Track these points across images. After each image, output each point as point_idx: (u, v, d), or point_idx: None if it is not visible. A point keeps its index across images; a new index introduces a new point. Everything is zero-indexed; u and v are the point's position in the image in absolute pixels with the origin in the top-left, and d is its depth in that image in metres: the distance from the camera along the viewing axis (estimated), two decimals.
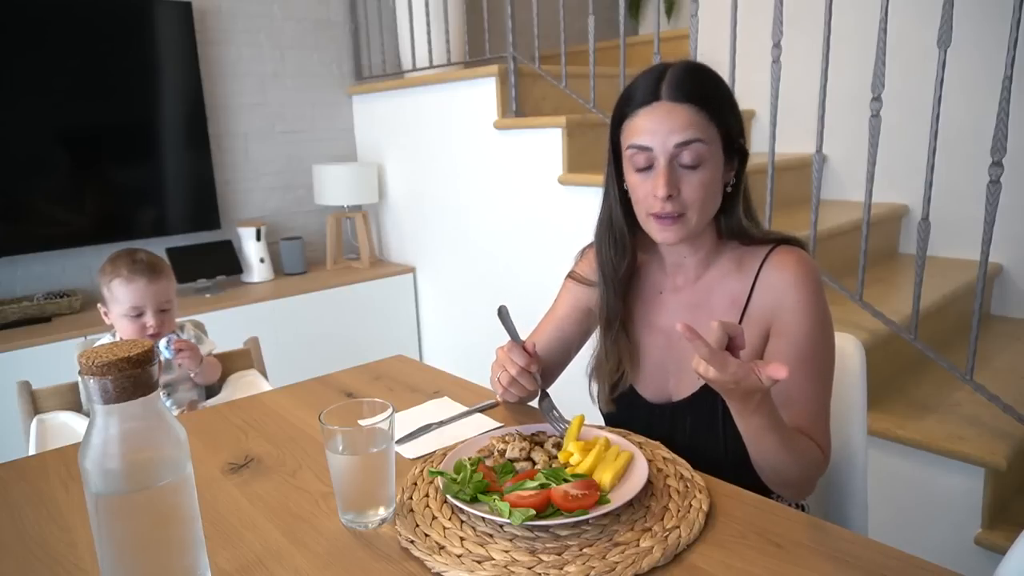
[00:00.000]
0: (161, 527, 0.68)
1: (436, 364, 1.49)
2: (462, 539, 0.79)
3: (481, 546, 0.78)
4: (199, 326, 1.70)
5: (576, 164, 2.35)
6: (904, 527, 1.76)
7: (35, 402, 1.47)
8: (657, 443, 1.00)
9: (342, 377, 1.38)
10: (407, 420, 1.14)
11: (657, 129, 0.97)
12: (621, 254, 1.10)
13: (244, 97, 2.98)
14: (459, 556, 0.76)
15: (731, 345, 0.82)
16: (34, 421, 1.43)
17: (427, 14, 2.85)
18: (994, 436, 1.68)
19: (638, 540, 0.77)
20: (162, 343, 1.50)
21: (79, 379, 1.48)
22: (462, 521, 0.83)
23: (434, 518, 0.84)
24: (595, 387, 1.17)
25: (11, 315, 2.38)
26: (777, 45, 1.82)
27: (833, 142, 2.61)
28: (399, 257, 3.25)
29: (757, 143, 3.14)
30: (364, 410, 0.87)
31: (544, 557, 0.75)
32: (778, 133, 1.90)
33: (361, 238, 3.11)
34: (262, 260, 2.92)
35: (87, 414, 1.47)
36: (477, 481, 0.84)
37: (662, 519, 0.81)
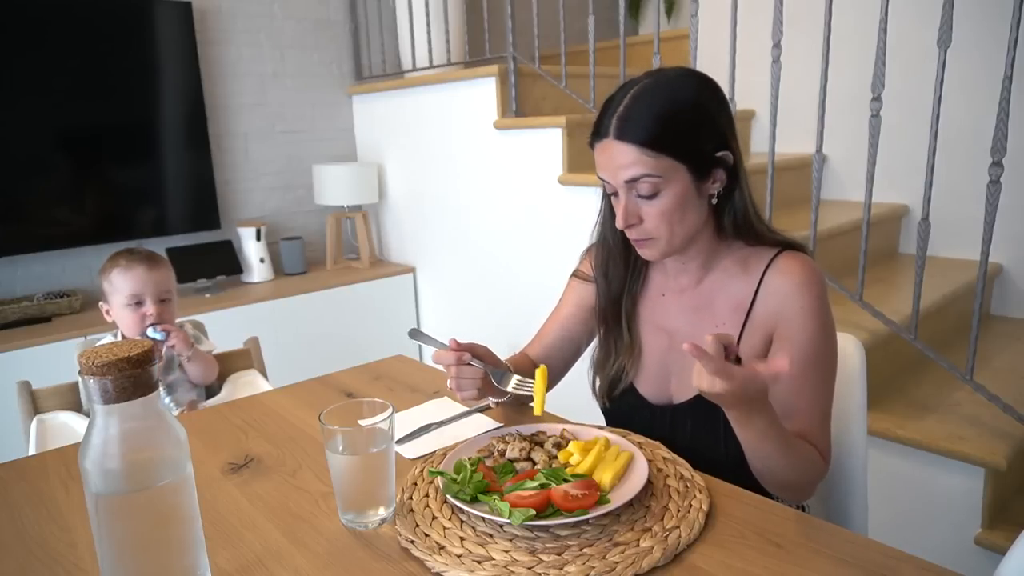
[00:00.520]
0: (161, 527, 0.68)
1: (436, 364, 1.48)
2: (462, 539, 0.79)
3: (481, 546, 0.78)
4: (199, 326, 1.70)
5: (576, 164, 2.35)
6: (904, 527, 1.76)
7: (35, 402, 1.47)
8: (657, 443, 1.00)
9: (342, 377, 1.38)
10: (407, 420, 1.14)
11: (607, 165, 0.99)
12: (615, 260, 1.12)
13: (244, 97, 2.98)
14: (459, 556, 0.76)
15: (725, 353, 0.82)
16: (34, 421, 1.43)
17: (427, 14, 2.85)
18: (994, 436, 1.68)
19: (638, 540, 0.77)
20: (150, 330, 1.50)
21: (79, 379, 1.48)
22: (462, 521, 0.83)
23: (434, 518, 0.84)
24: (597, 382, 1.17)
25: (11, 315, 2.38)
26: (777, 45, 1.82)
27: (833, 142, 2.61)
28: (399, 257, 3.25)
29: (757, 143, 3.14)
30: (364, 410, 0.87)
31: (544, 557, 0.75)
32: (778, 133, 1.90)
33: (361, 238, 3.11)
34: (262, 260, 2.92)
35: (87, 414, 1.47)
36: (477, 481, 0.84)
37: (662, 519, 0.81)
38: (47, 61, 2.44)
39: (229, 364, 1.67)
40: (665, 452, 0.97)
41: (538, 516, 0.78)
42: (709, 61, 2.30)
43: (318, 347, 2.78)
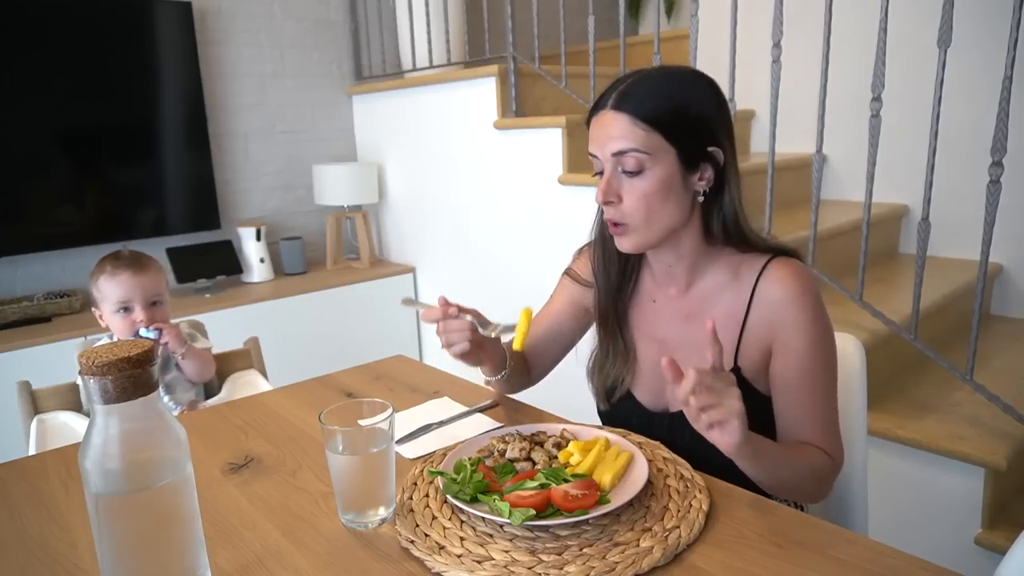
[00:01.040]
0: (161, 527, 0.68)
1: (436, 364, 1.49)
2: (462, 539, 0.79)
3: (481, 546, 0.78)
4: (197, 326, 1.70)
5: (576, 164, 2.35)
6: (904, 527, 1.76)
7: (35, 402, 1.47)
8: (657, 443, 1.00)
9: (342, 377, 1.38)
10: (407, 420, 1.14)
11: (598, 136, 0.99)
12: (611, 260, 1.11)
13: (244, 97, 2.98)
14: (459, 556, 0.76)
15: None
16: (34, 421, 1.43)
17: (427, 14, 2.85)
18: (994, 436, 1.68)
19: (638, 540, 0.77)
20: (142, 330, 1.49)
21: (79, 379, 1.48)
22: (462, 521, 0.83)
23: (434, 518, 0.84)
24: (594, 383, 1.17)
25: (11, 315, 2.38)
26: (777, 45, 1.82)
27: (833, 142, 2.61)
28: (399, 257, 3.25)
29: (757, 143, 3.14)
30: (364, 410, 0.87)
31: (544, 557, 0.75)
32: (778, 133, 1.90)
33: (361, 238, 3.11)
34: (262, 260, 2.92)
35: (87, 414, 1.47)
36: (477, 481, 0.84)
37: (662, 519, 0.81)
38: (47, 61, 2.44)
39: (229, 364, 1.67)
40: (665, 452, 0.97)
41: (538, 516, 0.78)
42: (709, 61, 2.30)
43: (318, 347, 2.78)
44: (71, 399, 1.50)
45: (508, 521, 0.78)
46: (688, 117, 0.97)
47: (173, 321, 1.57)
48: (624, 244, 1.02)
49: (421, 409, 1.20)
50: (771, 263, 1.01)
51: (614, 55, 2.51)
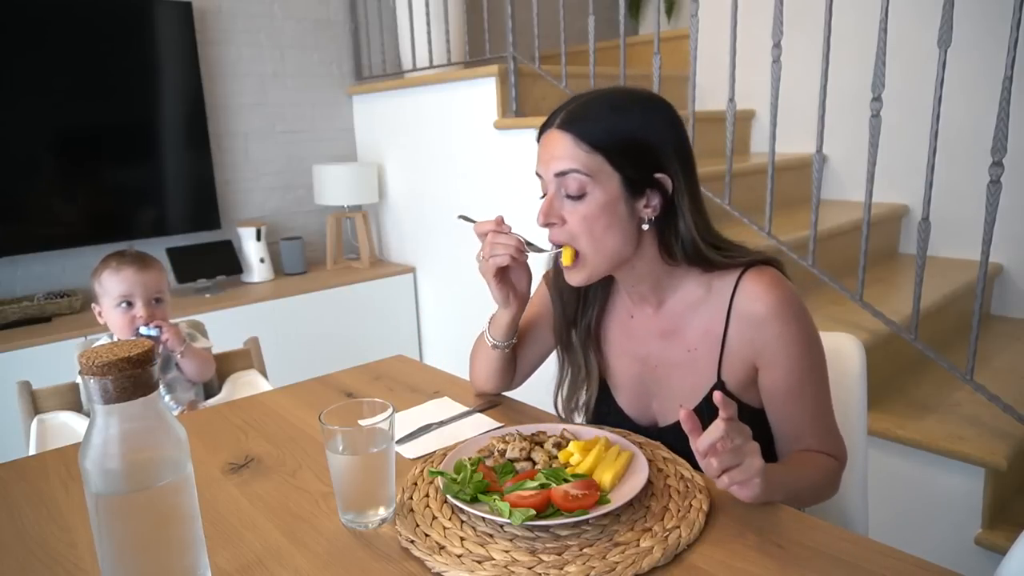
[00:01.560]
0: (161, 527, 0.68)
1: (436, 364, 1.49)
2: (462, 539, 0.79)
3: (481, 546, 0.78)
4: (197, 326, 1.70)
5: None
6: (904, 527, 1.76)
7: (35, 402, 1.47)
8: (657, 443, 1.00)
9: (342, 377, 1.38)
10: (407, 420, 1.14)
11: (542, 156, 0.99)
12: (567, 290, 1.10)
13: (244, 97, 2.98)
14: (459, 556, 0.76)
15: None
16: (34, 421, 1.43)
17: (427, 14, 2.85)
18: (994, 436, 1.68)
19: (638, 540, 0.77)
20: (142, 327, 1.50)
21: (79, 379, 1.48)
22: (462, 521, 0.83)
23: (434, 518, 0.84)
24: (560, 399, 1.16)
25: (11, 315, 2.38)
26: (777, 45, 1.82)
27: (833, 142, 2.61)
28: (399, 257, 3.25)
29: (757, 143, 3.14)
30: (364, 410, 0.87)
31: (544, 557, 0.75)
32: (778, 133, 1.90)
33: (361, 238, 3.11)
34: (262, 260, 2.92)
35: (87, 414, 1.47)
36: (477, 481, 0.84)
37: (662, 519, 0.81)
38: (47, 61, 2.44)
39: (229, 364, 1.67)
40: (665, 452, 0.97)
41: (538, 516, 0.78)
42: (709, 61, 2.32)
43: (318, 347, 2.78)
44: (71, 399, 1.50)
45: (508, 521, 0.78)
46: (634, 142, 0.95)
47: (173, 321, 1.57)
48: (574, 278, 1.01)
49: (421, 409, 1.20)
50: (745, 276, 0.98)
51: (614, 55, 2.51)
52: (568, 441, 0.95)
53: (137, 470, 0.66)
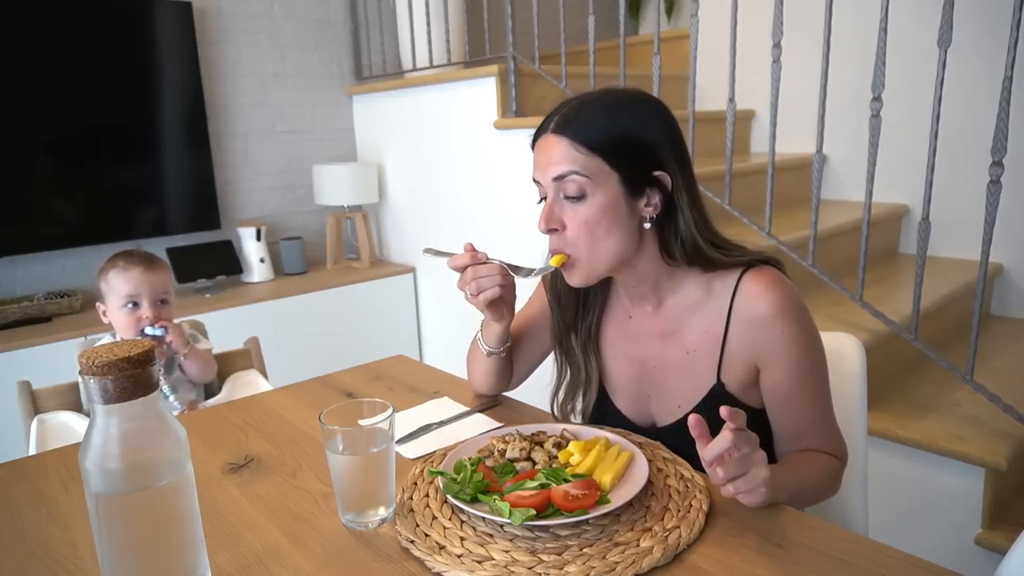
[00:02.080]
0: (161, 527, 0.68)
1: (436, 364, 1.49)
2: (462, 539, 0.79)
3: (481, 546, 0.78)
4: (197, 326, 1.70)
5: None
6: (904, 527, 1.76)
7: (35, 402, 1.47)
8: (657, 443, 1.00)
9: (342, 377, 1.38)
10: (407, 420, 1.14)
11: (539, 161, 0.98)
12: (566, 292, 1.10)
13: (244, 97, 2.98)
14: (459, 556, 0.76)
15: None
16: (34, 421, 1.43)
17: (427, 14, 2.85)
18: (994, 436, 1.68)
19: (638, 540, 0.77)
20: (147, 327, 1.50)
21: (79, 379, 1.48)
22: (462, 521, 0.83)
23: (434, 518, 0.84)
24: (557, 402, 1.15)
25: (11, 315, 2.38)
26: (777, 45, 1.82)
27: (833, 142, 2.61)
28: (399, 257, 3.25)
29: (757, 143, 3.14)
30: (364, 410, 0.87)
31: (544, 557, 0.75)
32: (778, 133, 1.90)
33: (361, 238, 3.11)
34: (262, 260, 2.92)
35: (87, 414, 1.47)
36: (477, 481, 0.84)
37: (662, 519, 0.81)
38: (47, 61, 2.44)
39: (229, 364, 1.67)
40: (665, 452, 0.97)
41: (538, 516, 0.78)
42: (709, 61, 2.32)
43: (318, 347, 2.78)
44: (71, 399, 1.50)
45: (508, 521, 0.78)
46: (630, 141, 0.95)
47: (175, 322, 1.57)
48: (573, 279, 1.00)
49: (421, 409, 1.20)
50: (745, 276, 0.97)
51: (614, 55, 2.51)
52: (568, 441, 0.95)
53: (137, 470, 0.66)
